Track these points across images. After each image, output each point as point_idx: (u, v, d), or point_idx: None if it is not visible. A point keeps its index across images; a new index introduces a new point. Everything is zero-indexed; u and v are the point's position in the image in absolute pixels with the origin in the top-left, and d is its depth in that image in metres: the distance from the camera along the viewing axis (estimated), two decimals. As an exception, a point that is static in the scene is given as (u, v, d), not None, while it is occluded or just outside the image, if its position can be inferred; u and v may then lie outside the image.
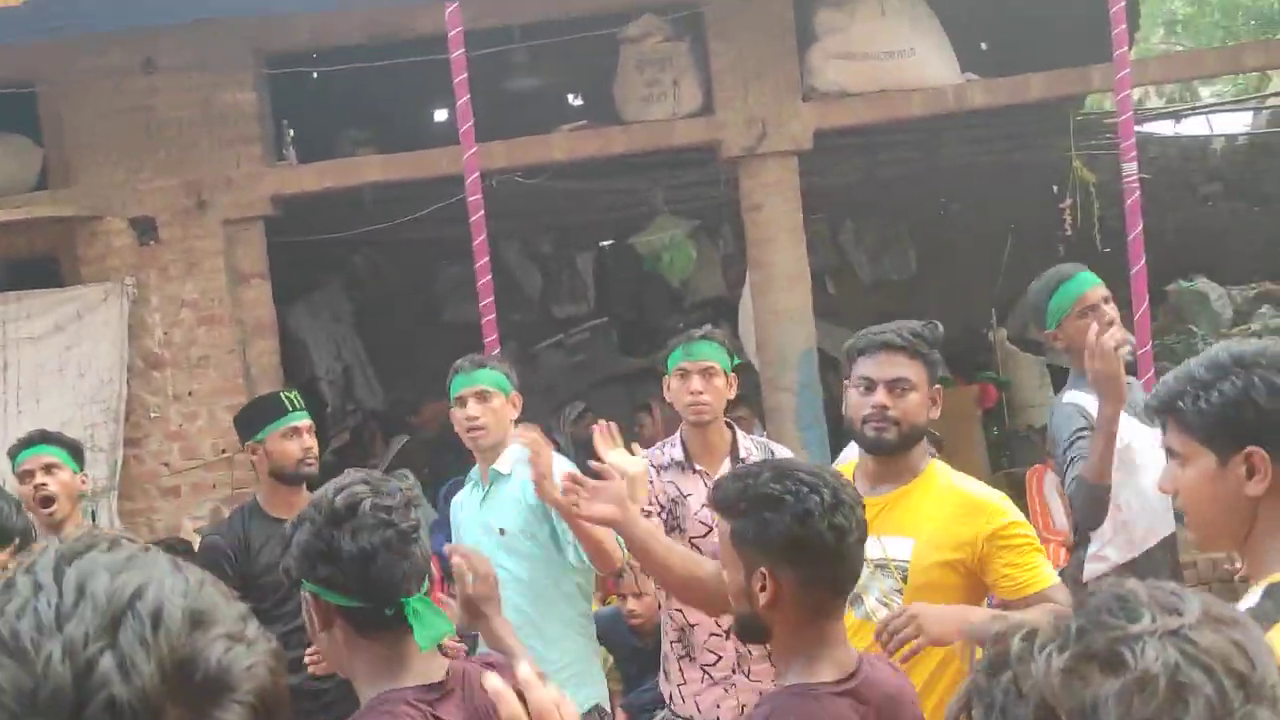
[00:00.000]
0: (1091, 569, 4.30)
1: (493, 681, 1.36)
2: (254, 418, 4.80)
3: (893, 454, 3.37)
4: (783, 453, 4.47)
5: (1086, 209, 9.47)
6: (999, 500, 3.37)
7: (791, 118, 8.15)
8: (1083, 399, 4.19)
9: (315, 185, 8.19)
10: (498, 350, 6.14)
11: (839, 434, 6.18)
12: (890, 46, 8.13)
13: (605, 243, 12.26)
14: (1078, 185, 9.48)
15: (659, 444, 4.62)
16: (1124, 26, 6.00)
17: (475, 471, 4.66)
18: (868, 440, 3.37)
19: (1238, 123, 14.55)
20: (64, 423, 7.10)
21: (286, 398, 4.79)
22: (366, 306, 11.79)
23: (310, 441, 4.66)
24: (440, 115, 11.56)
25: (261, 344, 8.15)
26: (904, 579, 3.23)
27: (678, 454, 4.42)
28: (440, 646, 2.58)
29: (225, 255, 8.00)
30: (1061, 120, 10.37)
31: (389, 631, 2.40)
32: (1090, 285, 4.31)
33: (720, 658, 4.26)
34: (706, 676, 4.32)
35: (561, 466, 4.39)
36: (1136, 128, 7.13)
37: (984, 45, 10.85)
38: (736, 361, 4.62)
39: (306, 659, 3.49)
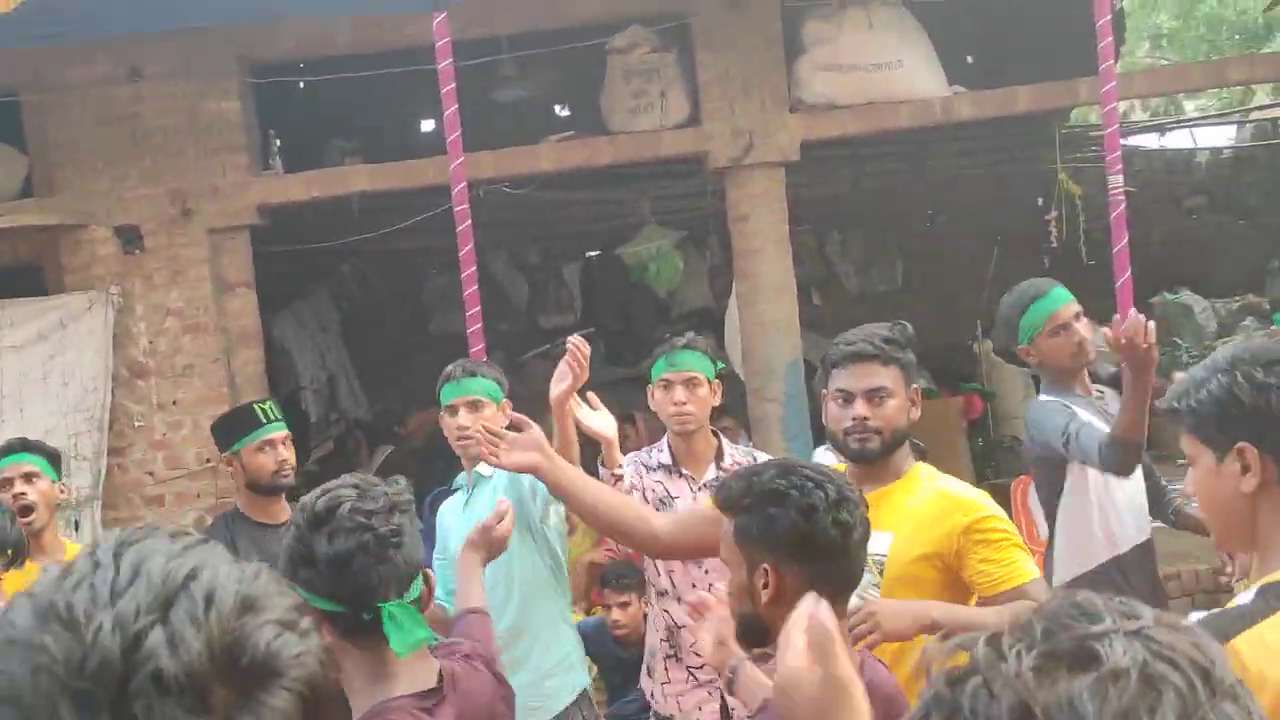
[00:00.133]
0: (1061, 573, 4.31)
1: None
2: (228, 430, 4.80)
3: (877, 462, 3.37)
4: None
5: (1072, 221, 9.50)
6: (978, 497, 3.37)
7: (779, 129, 8.16)
8: (1058, 399, 4.24)
9: (302, 194, 8.18)
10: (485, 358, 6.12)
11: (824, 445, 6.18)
12: (878, 59, 8.14)
13: (592, 253, 12.26)
14: (1063, 198, 9.51)
15: (647, 448, 4.66)
16: (1110, 40, 6.02)
17: (462, 477, 4.66)
18: (852, 452, 3.37)
19: (1222, 136, 14.63)
20: (48, 431, 7.08)
21: (261, 410, 4.77)
22: (353, 316, 11.78)
23: (285, 453, 4.65)
24: (427, 125, 11.57)
25: (246, 353, 8.13)
26: (881, 573, 3.23)
27: (665, 458, 4.47)
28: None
29: (210, 264, 7.98)
30: (1047, 133, 10.41)
31: (371, 638, 2.38)
32: (1062, 303, 4.32)
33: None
34: (691, 678, 4.34)
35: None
36: (1121, 141, 7.15)
37: (970, 58, 10.88)
38: (720, 367, 4.63)
39: None
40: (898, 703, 2.51)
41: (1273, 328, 4.63)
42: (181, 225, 7.95)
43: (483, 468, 4.49)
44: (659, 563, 4.34)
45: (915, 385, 3.44)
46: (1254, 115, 14.40)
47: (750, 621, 2.48)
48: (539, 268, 12.23)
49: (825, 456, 4.15)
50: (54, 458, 5.02)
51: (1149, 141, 13.76)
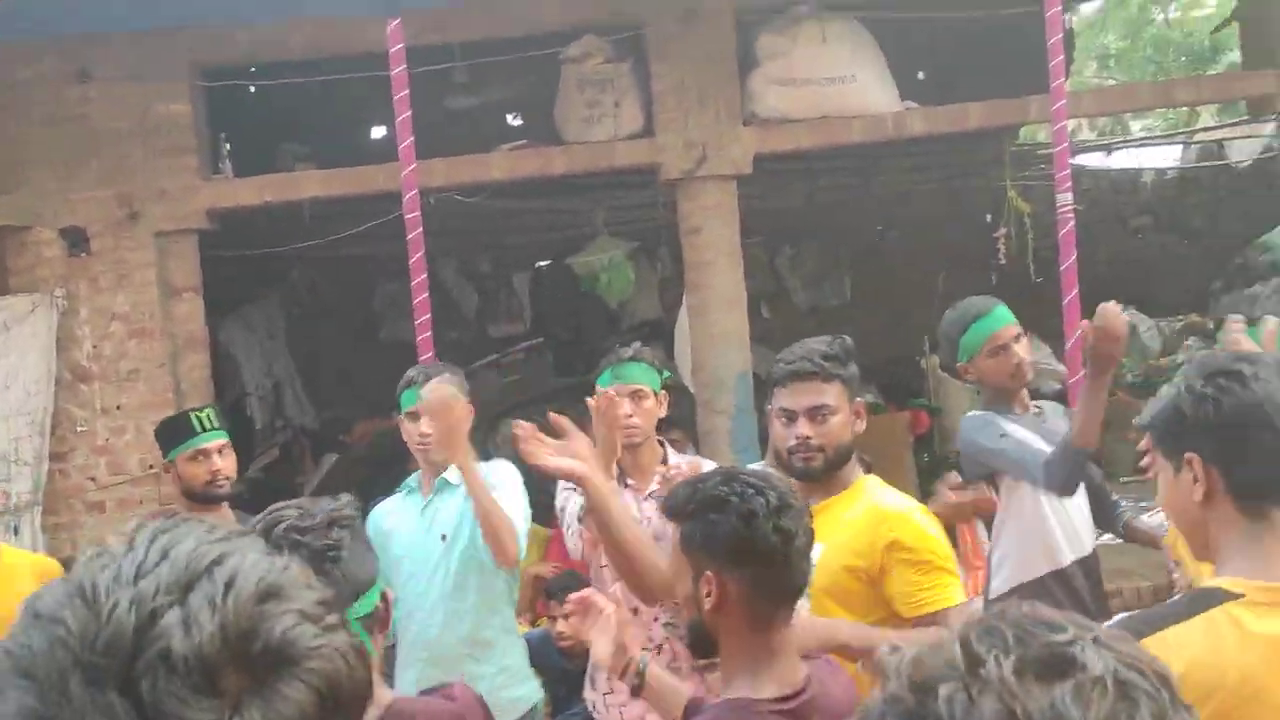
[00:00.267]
0: (998, 585, 4.33)
1: None
2: (165, 438, 4.77)
3: (822, 479, 3.38)
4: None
5: (1021, 239, 9.58)
6: (909, 512, 3.35)
7: (732, 142, 8.18)
8: (989, 412, 4.26)
9: (252, 199, 8.12)
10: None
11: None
12: (831, 73, 8.18)
13: (542, 263, 12.24)
14: (1013, 215, 9.58)
15: None
16: (1061, 58, 6.08)
17: (414, 479, 4.63)
18: (796, 470, 3.37)
19: (1167, 157, 14.81)
20: (-12, 435, 6.99)
21: (196, 418, 4.71)
22: (301, 322, 11.70)
23: (220, 463, 4.58)
24: (379, 132, 11.51)
25: (193, 358, 8.05)
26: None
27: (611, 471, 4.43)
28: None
29: (158, 268, 7.91)
30: (997, 150, 10.49)
31: None
32: (1003, 324, 4.33)
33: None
34: (636, 689, 4.32)
35: (504, 470, 4.45)
36: (1070, 159, 7.22)
37: (921, 74, 10.96)
38: (667, 377, 4.62)
39: None
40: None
41: (1217, 346, 4.67)
42: (129, 228, 7.87)
43: (451, 475, 4.47)
44: (608, 572, 4.32)
45: (859, 399, 3.44)
46: (1198, 136, 14.59)
47: (697, 629, 2.49)
48: (489, 276, 12.19)
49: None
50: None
51: (1096, 161, 13.90)
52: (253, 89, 9.34)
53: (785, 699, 2.39)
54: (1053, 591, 4.17)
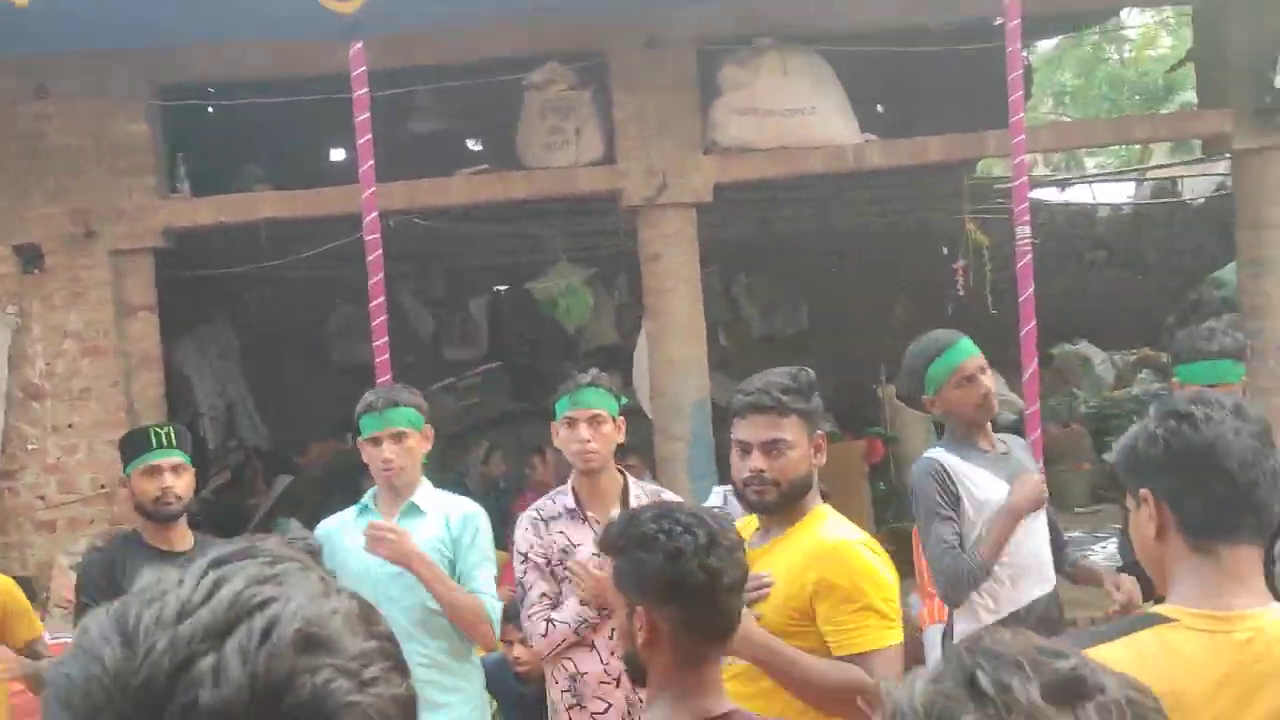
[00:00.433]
0: (963, 628, 4.32)
1: None
2: (124, 452, 4.70)
3: (776, 513, 3.37)
4: (674, 500, 4.46)
5: (979, 271, 9.66)
6: (846, 549, 3.25)
7: (693, 170, 8.20)
8: (944, 455, 4.27)
9: (209, 219, 8.07)
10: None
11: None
12: (792, 104, 8.23)
13: (501, 287, 12.23)
14: (971, 247, 9.66)
15: (550, 493, 4.58)
16: (1020, 93, 6.13)
17: (370, 496, 4.58)
18: (750, 504, 3.37)
19: (1121, 193, 14.99)
20: (-64, 453, 6.89)
21: (155, 434, 4.64)
22: (256, 343, 11.63)
23: (171, 481, 4.50)
24: (338, 154, 11.48)
25: (146, 377, 7.98)
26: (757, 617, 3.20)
27: (569, 502, 4.39)
28: None
29: (113, 286, 7.84)
30: (955, 183, 10.59)
31: None
32: (968, 355, 4.34)
33: (610, 705, 4.23)
34: (597, 725, 4.29)
35: (463, 507, 4.52)
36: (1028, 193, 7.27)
37: (880, 108, 11.05)
38: (625, 402, 4.62)
39: None
40: None
41: (1173, 380, 4.70)
42: (84, 246, 7.79)
43: (421, 500, 4.45)
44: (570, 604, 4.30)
45: (819, 432, 3.43)
46: (1152, 173, 14.78)
47: (631, 662, 2.51)
48: (444, 301, 12.17)
49: (716, 497, 4.16)
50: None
51: (1051, 195, 14.06)
52: (212, 109, 9.31)
53: None
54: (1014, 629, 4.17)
